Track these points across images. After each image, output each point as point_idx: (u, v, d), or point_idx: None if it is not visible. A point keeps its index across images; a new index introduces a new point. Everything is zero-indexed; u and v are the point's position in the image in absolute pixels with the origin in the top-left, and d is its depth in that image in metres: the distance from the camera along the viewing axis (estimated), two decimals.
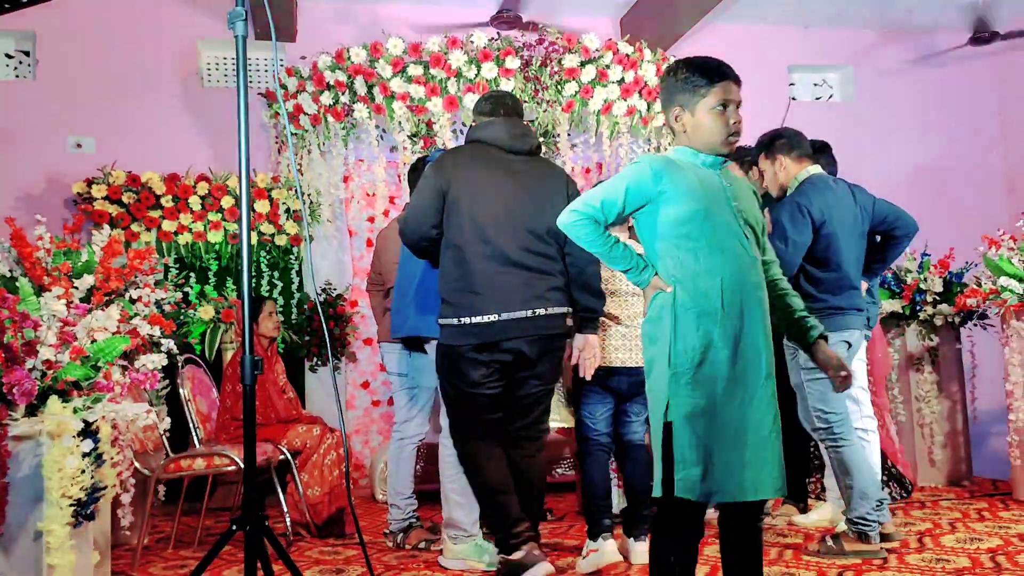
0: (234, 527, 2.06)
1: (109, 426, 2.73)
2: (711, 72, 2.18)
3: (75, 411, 2.55)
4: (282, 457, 4.09)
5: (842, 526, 3.39)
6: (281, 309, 5.72)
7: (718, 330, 2.08)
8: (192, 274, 5.66)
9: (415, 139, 5.12)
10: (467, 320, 2.91)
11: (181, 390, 4.11)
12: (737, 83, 2.21)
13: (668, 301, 2.11)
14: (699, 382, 2.06)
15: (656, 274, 2.15)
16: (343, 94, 5.03)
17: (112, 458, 2.81)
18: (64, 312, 2.63)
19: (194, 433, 4.09)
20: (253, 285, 5.69)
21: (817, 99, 6.96)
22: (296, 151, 5.46)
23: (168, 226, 5.55)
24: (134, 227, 5.51)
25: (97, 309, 2.96)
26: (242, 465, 3.62)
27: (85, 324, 2.73)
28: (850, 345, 3.49)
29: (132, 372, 2.72)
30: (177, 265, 5.65)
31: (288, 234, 5.75)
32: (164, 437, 3.97)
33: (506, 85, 4.81)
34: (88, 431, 2.60)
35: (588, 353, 3.07)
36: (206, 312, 5.12)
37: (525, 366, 3.00)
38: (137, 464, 3.62)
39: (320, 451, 4.17)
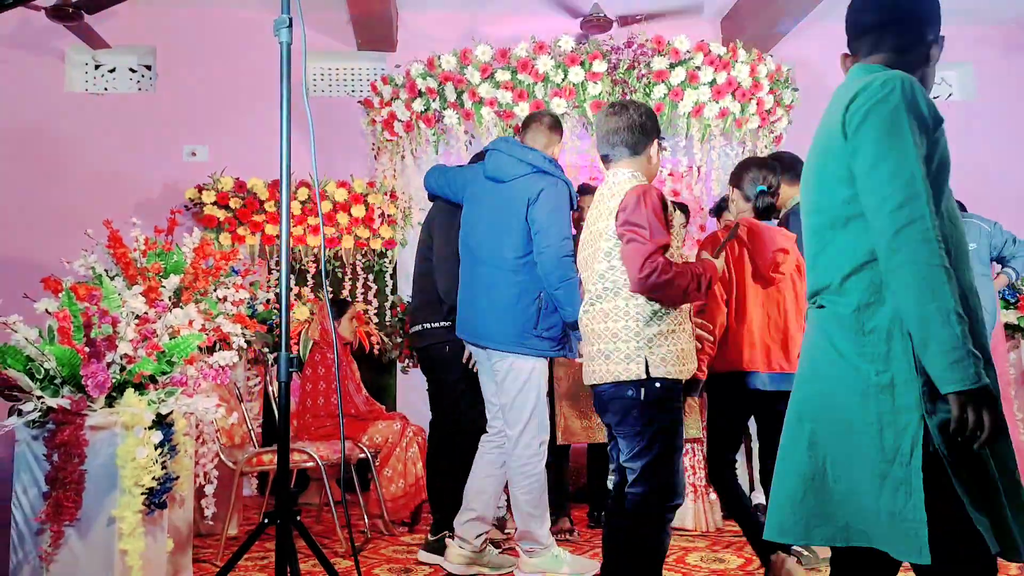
0: (266, 520, 2.11)
1: (183, 419, 2.85)
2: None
3: (149, 403, 2.69)
4: (362, 455, 4.19)
5: None
6: (375, 311, 5.87)
7: None
8: (292, 276, 5.87)
9: None
10: None
11: (270, 387, 4.27)
12: None
13: None
14: None
15: None
16: (434, 101, 5.11)
17: (187, 450, 2.95)
18: (143, 309, 2.77)
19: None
20: (349, 287, 5.85)
21: (935, 98, 6.55)
22: (390, 157, 5.59)
23: (271, 230, 5.80)
24: (240, 231, 5.78)
25: (179, 308, 3.10)
26: (320, 462, 3.73)
27: (165, 321, 2.87)
28: None
29: (204, 368, 2.84)
30: (278, 267, 5.87)
31: (382, 238, 5.89)
32: (251, 431, 4.15)
33: (593, 89, 4.76)
34: (162, 423, 2.73)
35: None
36: (301, 312, 5.30)
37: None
38: (223, 456, 3.78)
39: (402, 445, 4.24)
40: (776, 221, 3.42)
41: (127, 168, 6.00)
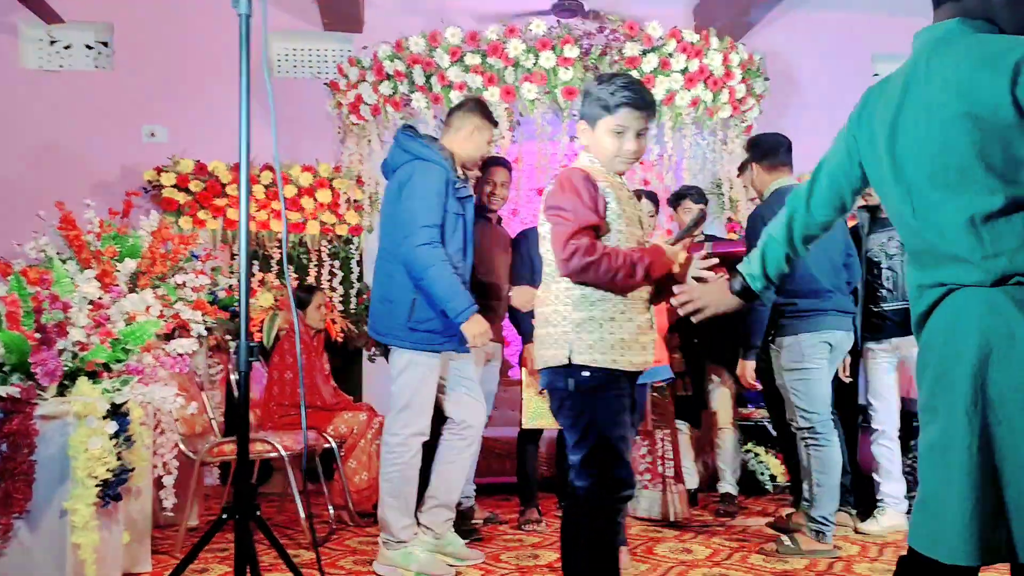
0: (224, 516, 2.03)
1: (140, 408, 2.75)
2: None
3: (103, 392, 2.58)
4: (327, 445, 4.10)
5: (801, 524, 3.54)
6: (341, 298, 5.76)
7: None
8: (256, 262, 5.74)
9: None
10: None
11: (232, 376, 4.16)
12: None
13: None
14: None
15: None
16: (402, 84, 5.00)
17: (144, 440, 2.84)
18: (96, 294, 2.66)
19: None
20: (314, 274, 5.74)
21: None
22: (357, 141, 5.48)
23: (233, 215, 5.65)
24: (201, 215, 5.64)
25: (135, 293, 2.99)
26: (283, 453, 3.64)
27: (120, 307, 2.76)
28: (831, 346, 3.54)
29: (161, 356, 2.74)
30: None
31: (349, 224, 5.78)
32: (212, 421, 4.04)
33: (565, 75, 4.69)
34: (117, 413, 2.63)
35: None
36: (264, 300, 5.18)
37: None
38: (183, 447, 3.67)
39: (368, 436, 4.16)
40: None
41: (83, 148, 5.81)
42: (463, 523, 3.93)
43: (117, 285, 3.00)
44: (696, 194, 4.46)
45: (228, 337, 4.39)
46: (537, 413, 4.01)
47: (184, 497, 3.74)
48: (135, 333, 2.70)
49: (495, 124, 3.51)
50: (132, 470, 2.71)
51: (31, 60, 6.07)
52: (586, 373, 2.22)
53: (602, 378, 2.23)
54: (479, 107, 3.39)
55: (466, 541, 3.57)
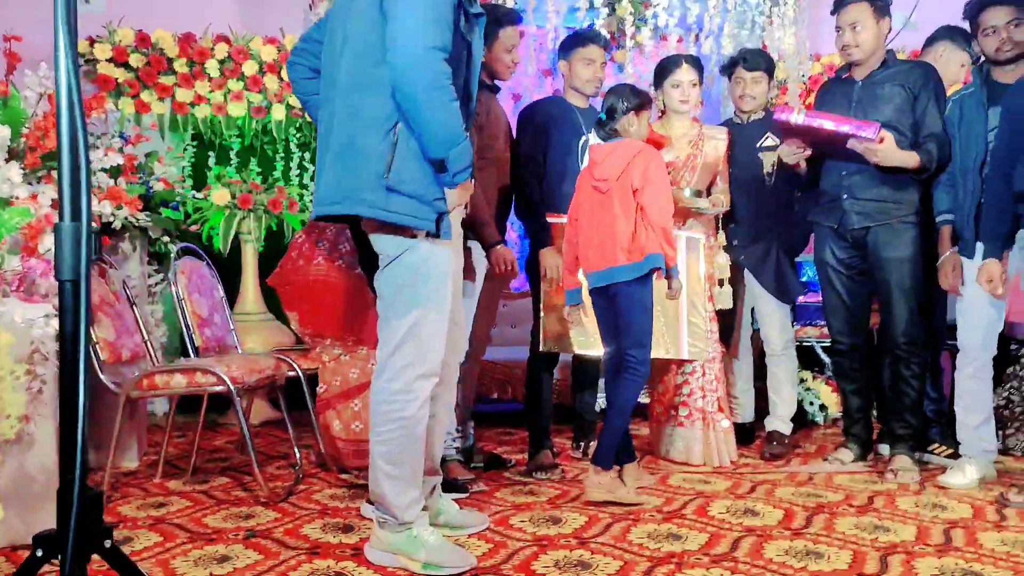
0: (39, 552, 1.18)
1: (7, 333, 1.93)
2: None
3: None
4: (292, 374, 3.30)
5: None
6: (312, 198, 4.89)
7: None
8: (212, 154, 4.85)
9: None
10: None
11: (173, 288, 3.34)
12: None
13: None
14: None
15: None
16: None
17: (19, 377, 2.03)
18: None
19: (188, 341, 3.32)
20: (281, 168, 4.87)
21: None
22: (329, 6, 4.50)
23: (183, 96, 4.72)
24: (144, 96, 4.70)
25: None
26: (232, 386, 2.84)
27: None
28: None
29: (25, 259, 1.90)
30: (195, 143, 4.84)
31: None
32: (147, 344, 3.24)
33: None
34: None
35: None
36: (221, 196, 4.32)
37: None
38: (103, 377, 2.88)
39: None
40: None
41: (5, 15, 4.81)
42: (466, 463, 3.20)
43: None
44: (754, 60, 3.57)
45: (167, 239, 3.55)
46: (557, 335, 3.23)
47: (102, 438, 2.98)
48: None
49: None
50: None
51: None
52: None
53: None
54: None
55: (462, 496, 2.82)
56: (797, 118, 3.07)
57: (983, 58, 3.05)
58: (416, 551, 2.20)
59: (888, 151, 3.02)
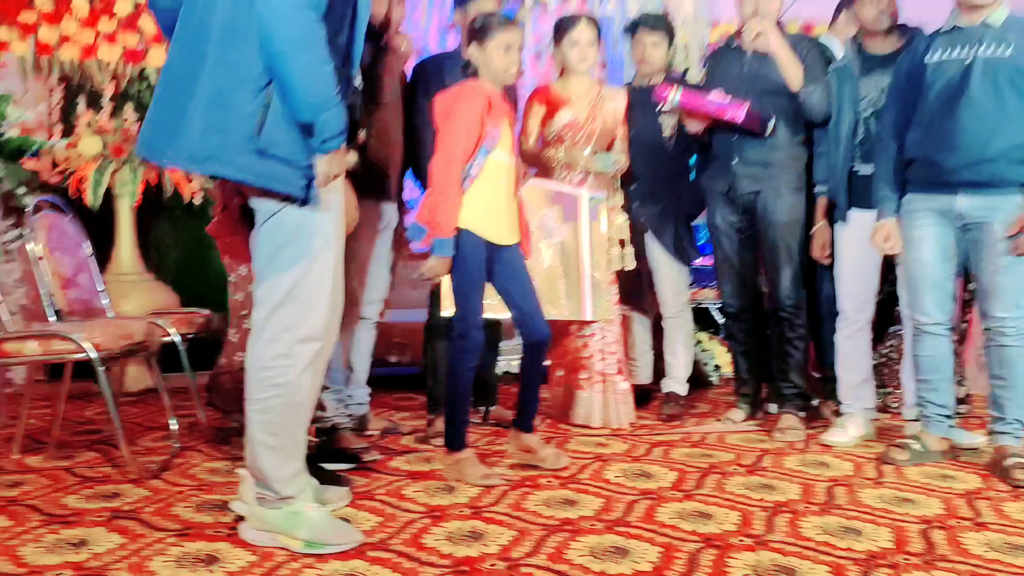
0: None
1: None
2: None
3: None
4: (167, 339, 3.06)
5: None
6: None
7: None
8: (80, 100, 4.46)
9: None
10: None
11: (30, 245, 3.04)
12: None
13: None
14: None
15: None
16: None
17: None
18: None
19: (46, 303, 3.03)
20: None
21: None
22: None
23: (47, 35, 4.32)
24: (2, 34, 4.28)
25: None
26: (93, 354, 2.59)
27: None
28: None
29: None
30: (63, 88, 4.45)
31: None
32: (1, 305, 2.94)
33: None
34: None
35: None
36: (92, 146, 3.97)
37: None
38: None
39: None
40: None
41: None
42: (359, 430, 3.07)
43: None
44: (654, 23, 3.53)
45: (23, 191, 3.23)
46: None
47: None
48: None
49: None
50: None
51: None
52: None
53: None
54: None
55: (352, 467, 2.69)
56: (674, 97, 3.11)
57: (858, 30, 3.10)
58: (296, 528, 2.04)
59: (777, 40, 3.08)
